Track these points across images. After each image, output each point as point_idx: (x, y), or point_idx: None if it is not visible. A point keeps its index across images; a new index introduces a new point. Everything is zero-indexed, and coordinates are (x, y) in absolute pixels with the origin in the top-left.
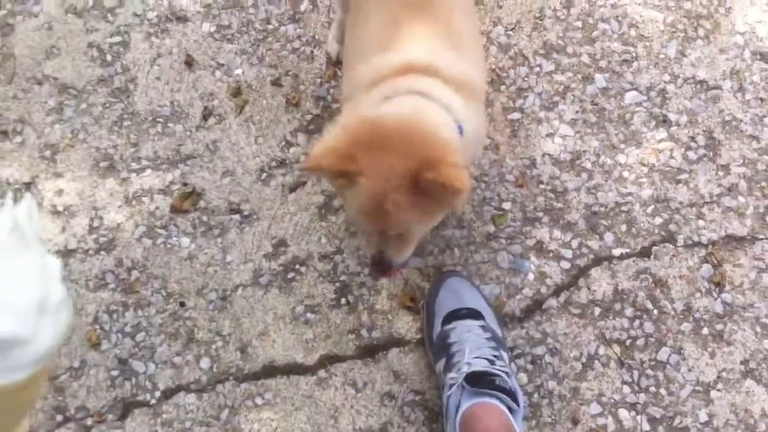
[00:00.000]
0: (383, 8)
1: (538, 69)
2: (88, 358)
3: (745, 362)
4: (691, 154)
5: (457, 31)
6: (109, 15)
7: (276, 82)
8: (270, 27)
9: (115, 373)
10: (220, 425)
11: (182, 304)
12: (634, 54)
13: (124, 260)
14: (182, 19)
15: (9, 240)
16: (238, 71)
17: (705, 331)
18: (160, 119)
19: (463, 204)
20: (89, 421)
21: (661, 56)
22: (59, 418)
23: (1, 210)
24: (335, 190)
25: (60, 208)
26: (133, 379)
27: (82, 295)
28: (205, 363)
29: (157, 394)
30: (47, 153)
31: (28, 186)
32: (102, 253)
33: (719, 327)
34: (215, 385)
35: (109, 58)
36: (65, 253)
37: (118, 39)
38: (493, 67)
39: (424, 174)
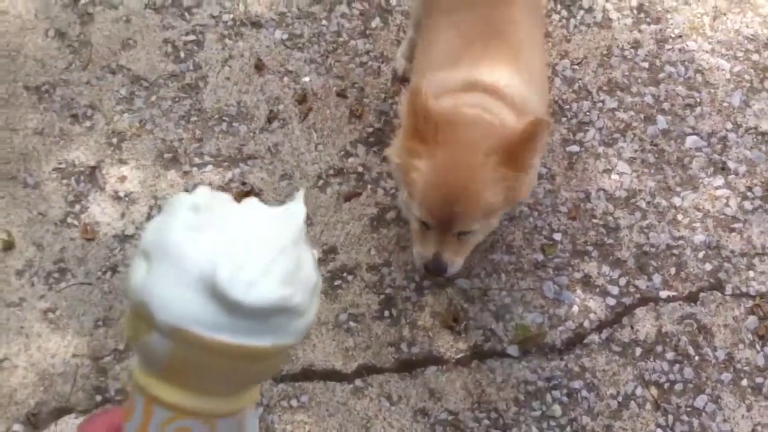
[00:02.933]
0: (455, 29)
1: (600, 105)
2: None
3: None
4: (747, 204)
5: (525, 60)
6: (186, 14)
7: (341, 93)
8: (340, 40)
9: None
10: None
11: None
12: (698, 99)
13: None
14: (256, 24)
15: (302, 231)
16: (306, 79)
17: (744, 382)
18: (226, 118)
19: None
20: None
21: (725, 104)
22: (98, 398)
23: (293, 205)
24: (402, 175)
25: (121, 194)
26: None
27: None
28: None
29: None
30: (114, 140)
31: (92, 170)
32: None
33: (759, 380)
34: None
35: (182, 55)
36: (122, 239)
37: (192, 38)
38: (556, 99)
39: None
